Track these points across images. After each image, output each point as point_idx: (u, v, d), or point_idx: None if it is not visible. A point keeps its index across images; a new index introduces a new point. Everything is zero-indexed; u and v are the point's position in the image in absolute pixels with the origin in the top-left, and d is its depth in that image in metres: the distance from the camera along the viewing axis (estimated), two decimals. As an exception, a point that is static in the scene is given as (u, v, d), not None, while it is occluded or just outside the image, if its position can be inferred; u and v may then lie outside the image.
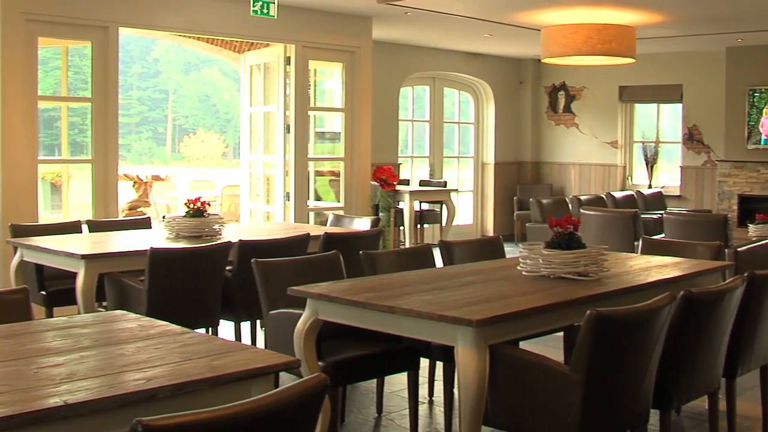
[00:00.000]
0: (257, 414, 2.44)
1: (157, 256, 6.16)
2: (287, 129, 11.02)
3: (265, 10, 9.88)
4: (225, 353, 3.34)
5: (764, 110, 14.03)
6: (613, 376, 4.09)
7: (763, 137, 14.05)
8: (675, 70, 15.37)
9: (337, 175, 11.98)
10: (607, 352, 3.99)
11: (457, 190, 15.56)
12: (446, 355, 5.12)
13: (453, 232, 13.26)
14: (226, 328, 7.15)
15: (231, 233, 7.47)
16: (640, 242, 7.19)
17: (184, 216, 7.34)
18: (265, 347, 5.45)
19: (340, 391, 5.51)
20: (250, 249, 6.60)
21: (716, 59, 14.62)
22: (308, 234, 7.11)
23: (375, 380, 6.08)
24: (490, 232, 16.21)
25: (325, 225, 8.82)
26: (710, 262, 6.21)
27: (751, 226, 11.02)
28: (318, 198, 12.24)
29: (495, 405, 4.25)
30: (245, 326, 7.13)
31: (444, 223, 13.41)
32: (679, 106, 15.54)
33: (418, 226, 13.52)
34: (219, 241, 6.83)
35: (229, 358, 3.26)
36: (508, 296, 4.73)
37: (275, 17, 10.01)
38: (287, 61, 10.98)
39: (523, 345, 5.78)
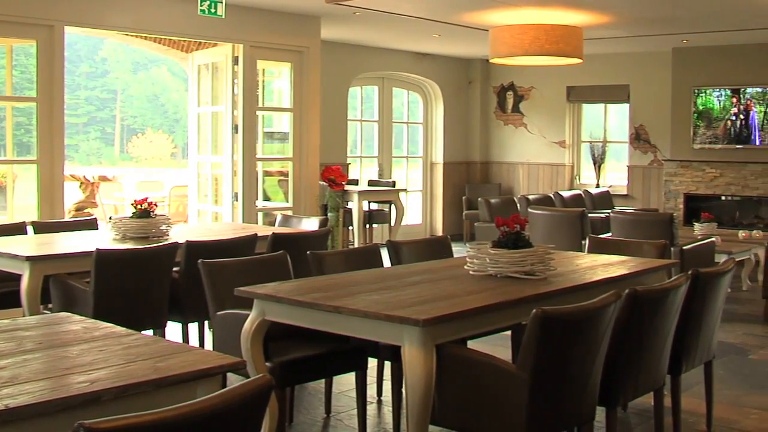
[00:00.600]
0: (201, 415, 2.43)
1: (103, 257, 6.10)
2: (235, 129, 10.98)
3: (212, 10, 9.84)
4: (170, 355, 3.32)
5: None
6: (560, 374, 4.11)
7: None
8: (622, 70, 15.51)
9: (286, 175, 11.95)
10: (553, 350, 4.01)
11: (405, 189, 15.61)
12: (394, 354, 5.12)
13: (402, 231, 13.28)
14: (173, 330, 7.10)
15: (178, 234, 7.42)
16: (587, 241, 7.25)
17: (131, 217, 7.28)
18: (213, 348, 5.42)
19: (288, 391, 5.50)
20: (197, 250, 6.57)
21: (662, 60, 14.77)
22: (256, 234, 7.09)
23: (323, 380, 6.07)
24: (440, 232, 16.26)
25: (274, 225, 8.80)
26: (656, 261, 6.27)
27: (696, 225, 11.21)
28: (267, 198, 12.20)
29: (442, 404, 4.26)
30: (193, 327, 7.10)
31: (393, 223, 13.42)
32: (626, 106, 15.67)
33: (367, 226, 13.52)
34: (166, 242, 6.79)
35: (174, 360, 3.24)
36: (454, 296, 4.74)
37: (223, 17, 9.97)
38: (235, 60, 10.94)
39: (471, 344, 5.80)
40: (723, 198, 14.42)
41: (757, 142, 13.85)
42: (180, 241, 6.69)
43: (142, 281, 6.32)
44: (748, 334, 8.68)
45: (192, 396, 2.95)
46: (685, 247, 7.94)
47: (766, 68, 13.73)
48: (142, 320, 6.19)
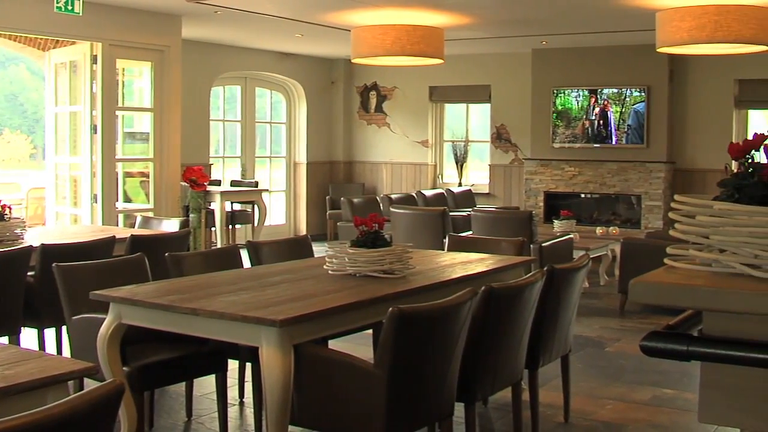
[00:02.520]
0: (46, 423, 2.37)
1: (-47, 262, 5.93)
2: (94, 129, 10.77)
3: (69, 7, 9.65)
4: (20, 362, 3.24)
5: None
6: (417, 372, 4.15)
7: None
8: (483, 71, 15.73)
9: (147, 176, 11.78)
10: (409, 348, 4.05)
11: (268, 190, 15.54)
12: (255, 356, 5.08)
13: (266, 232, 13.23)
14: (30, 336, 6.94)
15: (34, 237, 7.25)
16: (447, 239, 7.33)
17: (-17, 220, 7.09)
18: (71, 354, 5.32)
19: (147, 395, 5.42)
20: (52, 253, 6.41)
21: (522, 61, 15.04)
22: (113, 237, 6.97)
23: (184, 383, 6.01)
24: (303, 232, 16.21)
25: (134, 227, 8.67)
26: (514, 258, 6.38)
27: (556, 222, 11.48)
28: (128, 200, 12.01)
29: (302, 404, 4.26)
30: (50, 333, 6.93)
31: (256, 224, 13.36)
32: (488, 106, 15.90)
33: (230, 226, 13.43)
34: (19, 246, 6.61)
35: (23, 367, 3.16)
36: (313, 295, 4.74)
37: (80, 14, 9.79)
38: (94, 59, 10.73)
39: (333, 343, 5.83)
40: (582, 196, 14.77)
41: (614, 142, 14.21)
42: (35, 245, 6.52)
43: (-5, 286, 6.15)
44: (605, 327, 8.90)
45: (42, 403, 2.87)
46: (543, 244, 8.13)
47: (622, 70, 14.10)
48: (-5, 326, 6.04)
